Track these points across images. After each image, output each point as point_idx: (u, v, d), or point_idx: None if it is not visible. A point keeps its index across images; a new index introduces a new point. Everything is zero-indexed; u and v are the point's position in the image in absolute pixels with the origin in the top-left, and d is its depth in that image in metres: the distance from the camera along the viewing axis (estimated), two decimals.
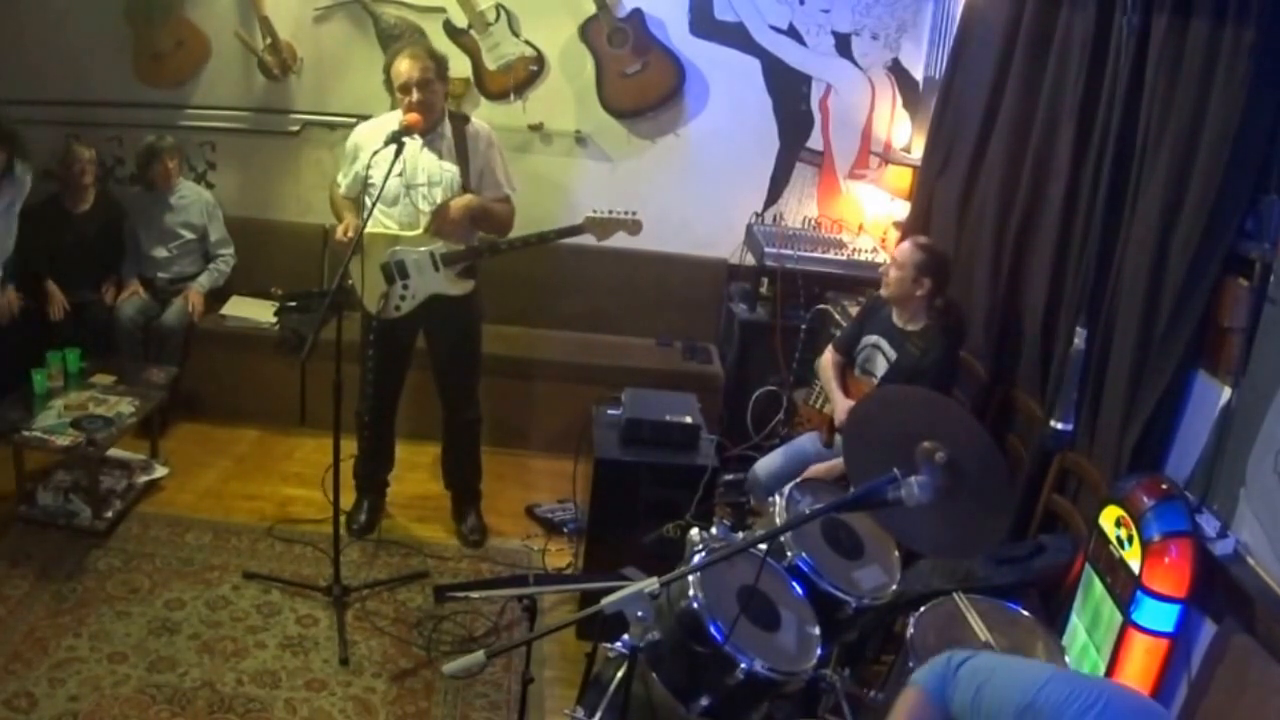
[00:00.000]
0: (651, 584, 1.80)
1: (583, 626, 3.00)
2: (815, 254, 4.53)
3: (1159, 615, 2.34)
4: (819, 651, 2.33)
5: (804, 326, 4.35)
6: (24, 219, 4.49)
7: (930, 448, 2.09)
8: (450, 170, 3.46)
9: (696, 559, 2.32)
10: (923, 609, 2.52)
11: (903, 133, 4.85)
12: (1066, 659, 2.43)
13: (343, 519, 3.47)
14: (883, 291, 3.39)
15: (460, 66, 4.50)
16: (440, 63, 3.42)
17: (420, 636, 3.29)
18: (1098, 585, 2.55)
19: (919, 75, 4.80)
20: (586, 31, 4.65)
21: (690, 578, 2.19)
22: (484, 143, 3.52)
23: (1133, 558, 2.40)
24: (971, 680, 1.71)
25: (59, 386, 3.94)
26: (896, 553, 2.72)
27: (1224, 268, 2.51)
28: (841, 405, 3.41)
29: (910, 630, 2.42)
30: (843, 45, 4.78)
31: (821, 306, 4.33)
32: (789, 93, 4.84)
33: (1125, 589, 2.39)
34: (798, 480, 2.92)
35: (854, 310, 3.87)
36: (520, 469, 4.45)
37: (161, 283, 4.57)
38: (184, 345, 4.46)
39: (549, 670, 3.19)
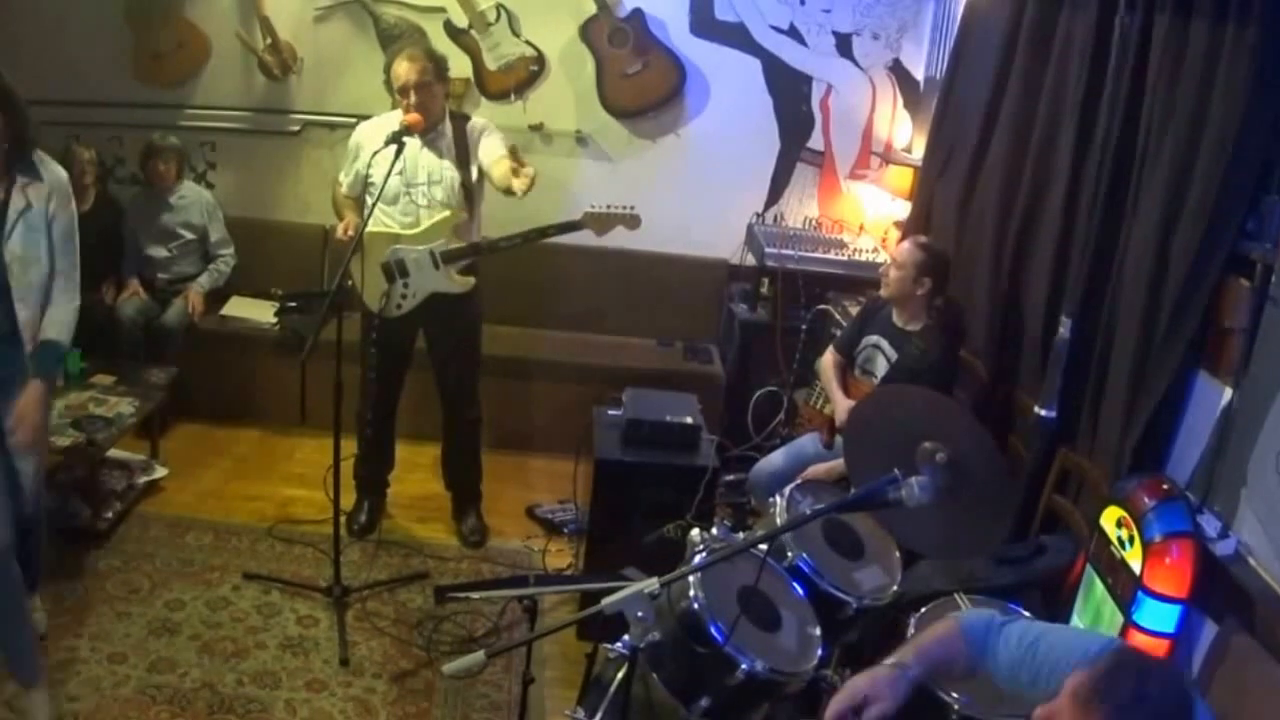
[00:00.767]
0: (652, 584, 1.80)
1: (583, 627, 2.99)
2: (816, 254, 4.52)
3: (1160, 616, 2.34)
4: (820, 652, 2.33)
5: (804, 327, 4.34)
6: None
7: (931, 448, 2.09)
8: (450, 169, 3.46)
9: (697, 559, 2.31)
10: (924, 610, 2.51)
11: (903, 133, 4.85)
12: None
13: (343, 519, 3.47)
14: (883, 291, 3.39)
15: (460, 66, 4.50)
16: (439, 64, 3.42)
17: (420, 637, 3.29)
18: (1099, 586, 2.54)
19: (920, 75, 4.80)
20: (587, 31, 4.65)
21: (691, 578, 2.19)
22: (479, 131, 3.52)
23: (1134, 558, 2.39)
24: (1022, 638, 1.74)
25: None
26: (897, 553, 2.72)
27: (1225, 268, 2.51)
28: (842, 406, 3.41)
29: (911, 631, 2.41)
30: (843, 45, 4.78)
31: (822, 307, 4.33)
32: (790, 93, 4.83)
33: (1126, 589, 2.39)
34: (798, 481, 2.91)
35: (854, 310, 3.87)
36: (520, 469, 4.44)
37: (161, 283, 4.57)
38: (184, 345, 4.46)
39: (549, 671, 3.18)
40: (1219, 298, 2.53)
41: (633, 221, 3.64)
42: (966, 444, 2.12)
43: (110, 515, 3.70)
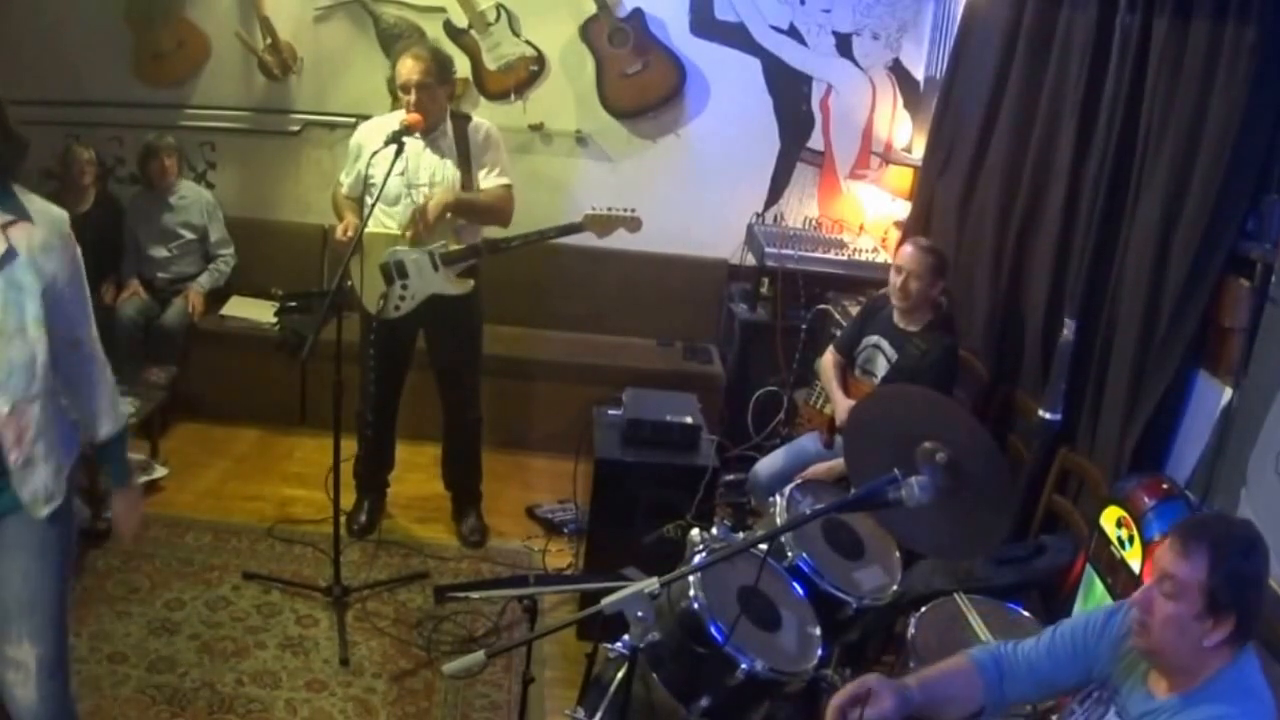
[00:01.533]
0: (652, 584, 1.80)
1: (583, 627, 2.99)
2: (816, 254, 4.52)
3: None
4: (820, 652, 2.33)
5: (804, 327, 4.34)
6: None
7: (931, 448, 2.09)
8: (452, 169, 3.46)
9: (697, 559, 2.32)
10: (923, 609, 2.52)
11: (903, 133, 4.85)
12: None
13: (343, 519, 3.47)
14: (899, 303, 3.34)
15: (461, 66, 4.48)
16: (444, 65, 3.41)
17: (420, 637, 3.29)
18: (1099, 586, 2.54)
19: (920, 75, 4.80)
20: (587, 31, 4.65)
21: (691, 578, 2.19)
22: (483, 135, 3.51)
23: (1134, 558, 2.40)
24: (1039, 639, 1.92)
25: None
26: (897, 553, 2.72)
27: (1225, 267, 2.51)
28: (842, 405, 3.41)
29: (911, 631, 2.42)
30: (843, 45, 4.78)
31: (822, 307, 4.32)
32: (790, 93, 4.83)
33: (1126, 589, 2.39)
34: (798, 480, 2.91)
35: (854, 310, 3.87)
36: (520, 469, 4.44)
37: (161, 283, 4.57)
38: (184, 345, 4.45)
39: (549, 670, 3.18)
40: (1219, 298, 2.53)
41: (634, 224, 3.65)
42: (966, 444, 2.12)
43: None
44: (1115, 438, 2.77)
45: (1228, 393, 2.47)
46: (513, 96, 4.74)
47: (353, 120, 4.05)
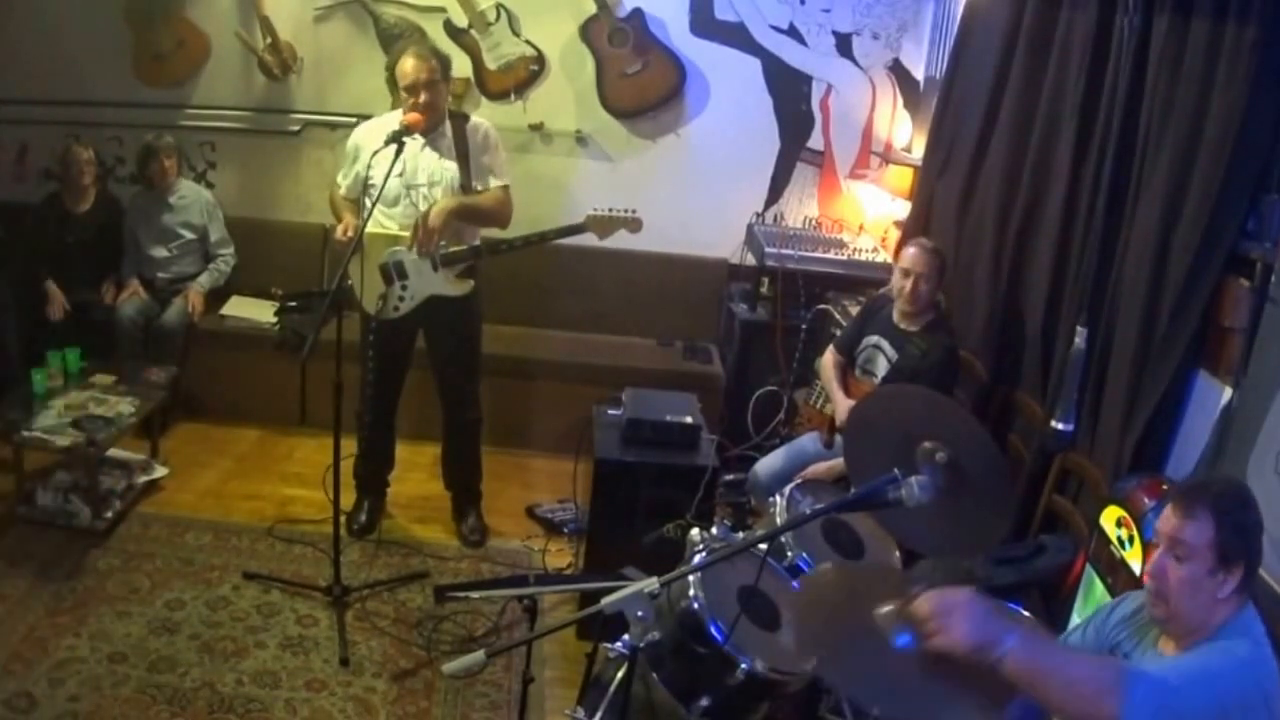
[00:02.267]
0: (651, 584, 1.80)
1: (583, 626, 2.99)
2: (816, 254, 4.52)
3: None
4: None
5: (804, 326, 4.34)
6: (24, 219, 4.51)
7: (931, 448, 2.09)
8: (451, 169, 3.46)
9: (697, 559, 2.31)
10: None
11: (903, 133, 4.85)
12: None
13: (343, 519, 3.47)
14: (909, 306, 3.33)
15: (461, 66, 4.50)
16: (444, 63, 3.42)
17: (420, 636, 3.29)
18: (1099, 586, 2.54)
19: (920, 75, 4.80)
20: (587, 31, 4.65)
21: (690, 578, 2.19)
22: (481, 135, 3.52)
23: (1134, 558, 2.40)
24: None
25: (59, 386, 3.94)
26: (897, 553, 2.72)
27: (1225, 267, 2.51)
28: (842, 405, 3.41)
29: None
30: (843, 45, 4.78)
31: (822, 306, 4.33)
32: (789, 93, 4.83)
33: (1126, 589, 2.39)
34: (797, 480, 2.91)
35: (854, 310, 3.87)
36: (520, 469, 4.44)
37: (161, 282, 4.57)
38: (184, 345, 4.46)
39: (549, 670, 3.18)
40: (1219, 298, 2.53)
41: (635, 224, 3.65)
42: (966, 444, 2.11)
43: (110, 515, 3.70)
44: (1115, 438, 2.77)
45: (1228, 392, 2.47)
46: (513, 96, 4.74)
47: (353, 120, 4.05)
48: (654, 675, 2.23)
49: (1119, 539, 2.46)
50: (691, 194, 4.86)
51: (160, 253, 4.58)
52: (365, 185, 3.39)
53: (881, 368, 3.40)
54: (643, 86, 4.74)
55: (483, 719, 3.01)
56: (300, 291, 4.60)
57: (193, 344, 4.49)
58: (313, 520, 3.82)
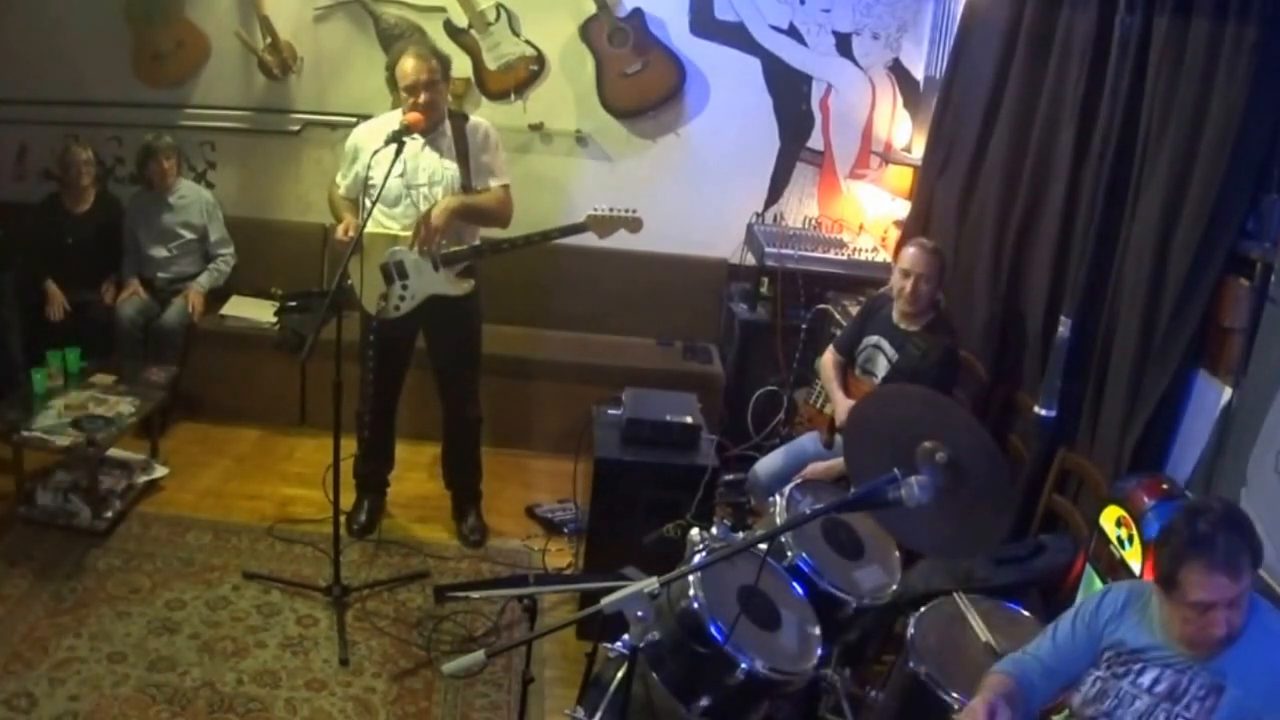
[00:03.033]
0: (651, 584, 1.80)
1: (583, 626, 2.99)
2: (816, 254, 4.52)
3: None
4: (819, 651, 2.33)
5: (804, 326, 4.34)
6: (24, 219, 4.51)
7: (931, 448, 2.09)
8: (451, 169, 3.46)
9: (697, 559, 2.32)
10: (923, 609, 2.52)
11: (903, 132, 4.85)
12: None
13: (343, 519, 3.47)
14: (909, 306, 3.32)
15: (461, 66, 4.50)
16: (444, 63, 3.42)
17: (420, 636, 3.29)
18: (1098, 585, 2.54)
19: (919, 75, 4.80)
20: (587, 31, 4.65)
21: (690, 578, 2.19)
22: (481, 135, 3.52)
23: (1134, 558, 2.40)
24: (1042, 636, 2.06)
25: (59, 386, 3.94)
26: (897, 553, 2.72)
27: (1225, 267, 2.51)
28: (842, 405, 3.41)
29: (910, 630, 2.42)
30: (843, 45, 4.78)
31: (822, 306, 4.33)
32: (789, 92, 4.83)
33: None
34: (797, 480, 2.91)
35: (854, 310, 3.87)
36: (520, 469, 4.44)
37: (161, 282, 4.57)
38: (184, 345, 4.46)
39: (549, 670, 3.19)
40: (1219, 297, 2.53)
41: (635, 224, 3.65)
42: (966, 444, 2.12)
43: (110, 515, 3.70)
44: (1115, 437, 2.77)
45: (1227, 392, 2.47)
46: (513, 96, 4.74)
47: (353, 120, 4.05)
48: (654, 675, 2.24)
49: (1119, 539, 2.46)
50: (691, 194, 4.86)
51: (160, 253, 4.58)
52: (365, 185, 3.39)
53: (882, 368, 3.40)
54: (643, 86, 4.74)
55: (483, 719, 3.01)
56: (300, 291, 4.59)
57: (193, 344, 4.49)
58: (313, 520, 3.82)
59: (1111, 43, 2.97)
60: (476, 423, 3.84)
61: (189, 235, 4.61)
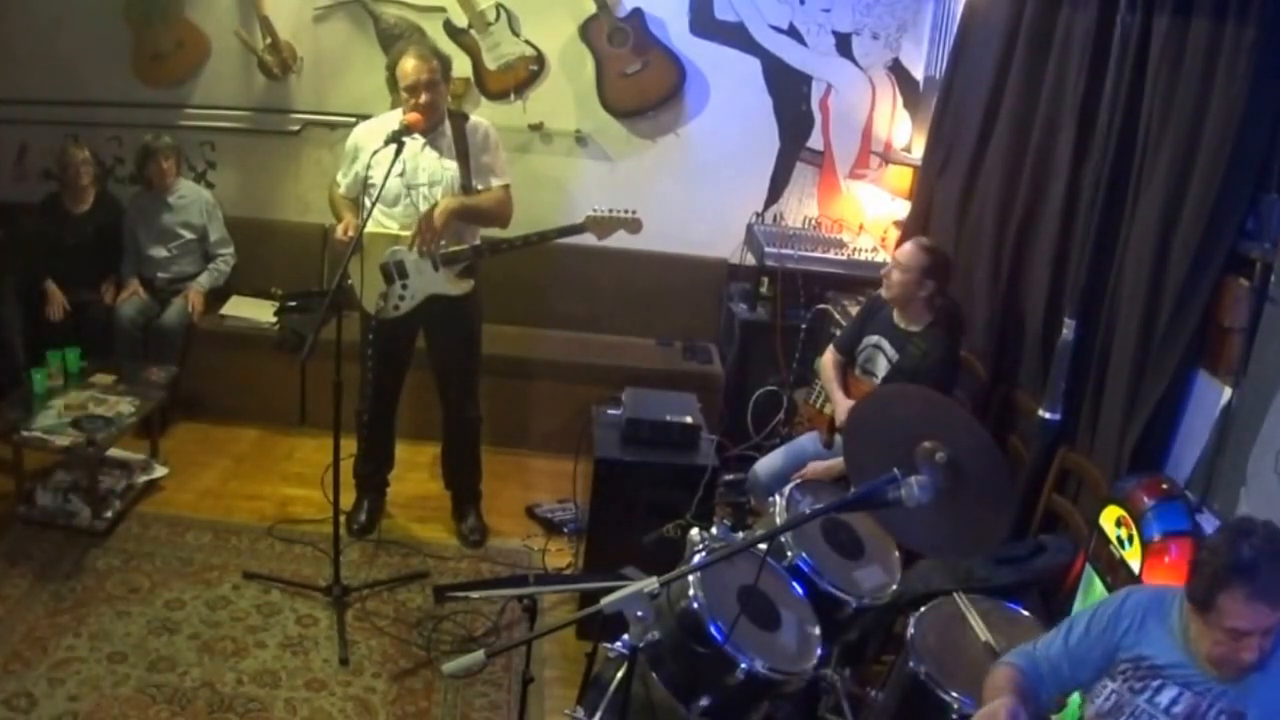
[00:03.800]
0: (651, 584, 1.80)
1: (583, 626, 3.00)
2: (815, 254, 4.52)
3: None
4: (819, 651, 2.33)
5: (804, 326, 4.34)
6: (24, 219, 4.51)
7: (930, 448, 2.09)
8: (451, 169, 3.46)
9: (696, 559, 2.32)
10: (923, 609, 2.52)
11: (903, 132, 4.85)
12: None
13: (343, 519, 3.47)
14: (885, 293, 3.37)
15: (460, 66, 4.49)
16: (445, 63, 3.42)
17: (420, 636, 3.29)
18: (1098, 585, 2.54)
19: (919, 75, 4.80)
20: (587, 31, 4.65)
21: (690, 578, 2.19)
22: (481, 135, 3.52)
23: (1133, 558, 2.40)
24: (1053, 636, 2.02)
25: (59, 386, 3.94)
26: (897, 553, 2.72)
27: (1224, 267, 2.51)
28: (842, 405, 3.41)
29: (910, 630, 2.42)
30: (843, 45, 4.78)
31: (822, 306, 4.33)
32: (789, 92, 4.83)
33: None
34: (796, 479, 2.91)
35: (854, 310, 3.87)
36: (520, 469, 4.44)
37: (161, 282, 4.57)
38: (184, 345, 4.46)
39: (549, 670, 3.19)
40: (1219, 297, 2.53)
41: (634, 225, 3.64)
42: (966, 444, 2.11)
43: (110, 515, 3.70)
44: (1115, 437, 2.76)
45: (1227, 392, 2.47)
46: (513, 96, 4.74)
47: (353, 120, 4.04)
48: (654, 675, 2.24)
49: (1119, 538, 2.46)
50: (691, 194, 4.86)
51: (160, 253, 4.58)
52: (365, 185, 3.39)
53: (882, 368, 3.40)
54: (642, 86, 4.74)
55: (482, 719, 3.01)
56: (300, 291, 4.60)
57: (192, 344, 4.49)
58: (313, 520, 3.83)
59: (1111, 42, 2.97)
60: (476, 422, 3.84)
61: (189, 235, 4.61)
